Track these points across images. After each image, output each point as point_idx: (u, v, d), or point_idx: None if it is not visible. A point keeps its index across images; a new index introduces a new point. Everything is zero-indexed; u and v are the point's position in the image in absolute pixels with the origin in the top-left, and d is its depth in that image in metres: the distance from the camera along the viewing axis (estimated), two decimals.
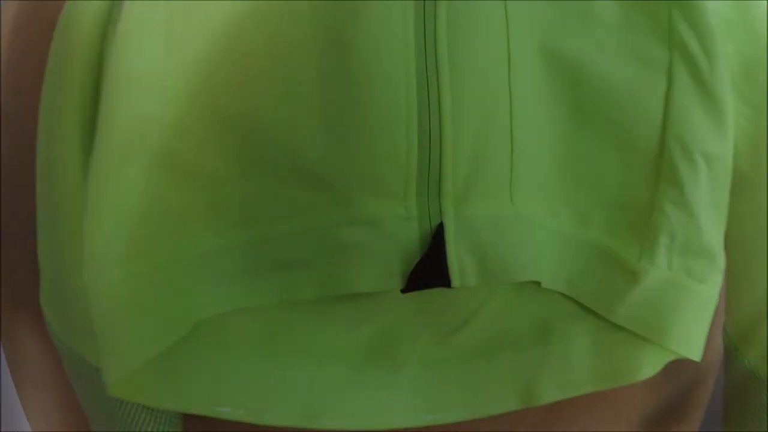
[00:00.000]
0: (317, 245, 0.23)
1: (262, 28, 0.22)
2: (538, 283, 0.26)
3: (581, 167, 0.26)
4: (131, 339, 0.21)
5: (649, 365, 0.28)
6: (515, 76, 0.23)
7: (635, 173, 0.25)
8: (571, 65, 0.24)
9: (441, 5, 0.22)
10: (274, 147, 0.23)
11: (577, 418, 0.38)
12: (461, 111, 0.22)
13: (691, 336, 0.27)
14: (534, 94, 0.24)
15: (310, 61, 0.22)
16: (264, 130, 0.23)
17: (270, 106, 0.23)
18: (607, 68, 0.24)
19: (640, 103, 0.25)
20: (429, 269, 0.23)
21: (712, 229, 0.26)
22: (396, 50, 0.22)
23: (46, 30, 0.25)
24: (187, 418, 0.28)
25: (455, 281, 0.23)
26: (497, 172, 0.24)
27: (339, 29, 0.22)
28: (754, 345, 0.29)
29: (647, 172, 0.25)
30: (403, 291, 0.23)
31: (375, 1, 0.21)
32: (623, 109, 0.25)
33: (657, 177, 0.25)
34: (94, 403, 0.27)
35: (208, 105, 0.23)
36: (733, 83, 0.27)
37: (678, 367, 0.30)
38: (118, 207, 0.21)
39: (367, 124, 0.22)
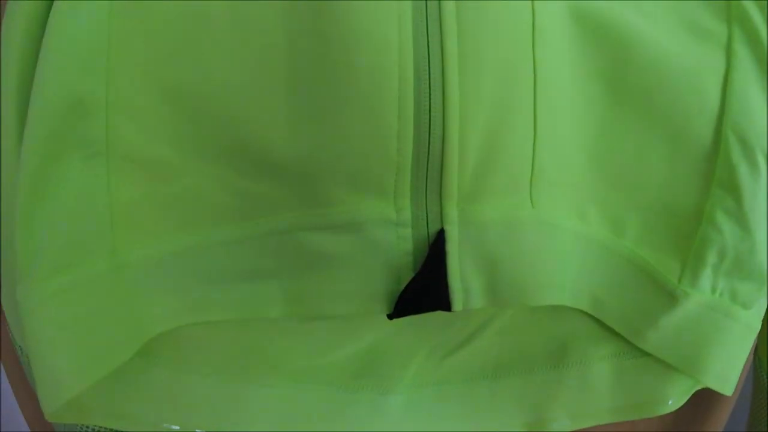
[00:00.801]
0: (285, 253, 0.19)
1: None
2: None
3: (618, 160, 0.21)
4: (69, 365, 0.18)
5: (676, 396, 0.25)
6: (541, 42, 0.19)
7: (683, 171, 0.21)
8: (611, 34, 0.20)
9: None
10: (232, 130, 0.18)
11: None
12: (471, 84, 0.18)
13: (728, 369, 0.23)
14: (563, 67, 0.20)
15: (277, 24, 0.18)
16: (220, 109, 0.18)
17: (228, 82, 0.18)
18: (656, 40, 0.20)
19: (694, 86, 0.20)
20: (424, 289, 0.19)
21: (766, 247, 0.21)
22: (385, 4, 0.17)
23: None
24: None
25: (457, 304, 0.19)
26: (515, 165, 0.19)
27: None
28: None
29: (698, 172, 0.21)
30: (390, 317, 0.19)
31: None
32: (673, 91, 0.20)
33: (709, 178, 0.21)
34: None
35: (156, 80, 0.18)
36: None
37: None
38: (49, 208, 0.17)
39: (348, 98, 0.17)
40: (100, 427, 0.22)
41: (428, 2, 0.17)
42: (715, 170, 0.20)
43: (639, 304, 0.22)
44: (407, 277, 0.19)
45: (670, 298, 0.21)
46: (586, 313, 0.23)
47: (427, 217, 0.19)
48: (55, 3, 0.18)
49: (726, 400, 0.37)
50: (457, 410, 0.25)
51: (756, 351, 0.29)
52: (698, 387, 0.25)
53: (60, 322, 0.18)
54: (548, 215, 0.20)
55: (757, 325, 0.24)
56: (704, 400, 0.34)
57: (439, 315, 0.21)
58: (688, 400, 0.25)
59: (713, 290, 0.21)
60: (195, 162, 0.19)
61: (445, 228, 0.18)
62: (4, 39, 0.20)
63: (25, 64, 0.19)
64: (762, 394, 0.28)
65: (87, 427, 0.22)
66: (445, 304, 0.19)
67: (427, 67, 0.17)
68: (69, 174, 0.18)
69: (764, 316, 0.24)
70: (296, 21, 0.18)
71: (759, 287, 0.22)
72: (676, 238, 0.21)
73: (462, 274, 0.19)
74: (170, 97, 0.18)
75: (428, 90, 0.17)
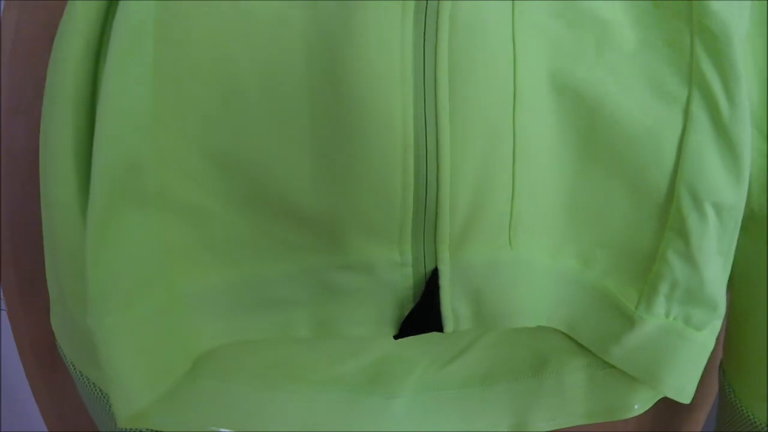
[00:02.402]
0: (311, 288, 0.23)
1: (254, 62, 0.22)
2: None
3: (588, 207, 0.25)
4: (138, 382, 0.22)
5: (641, 402, 0.29)
6: (520, 109, 0.22)
7: (642, 217, 0.25)
8: (582, 96, 0.23)
9: (442, 33, 0.21)
10: (265, 186, 0.22)
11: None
12: (460, 151, 0.22)
13: (684, 381, 0.27)
14: (540, 128, 0.23)
15: (302, 97, 0.22)
16: (254, 168, 0.22)
17: (260, 144, 0.22)
18: (622, 102, 0.23)
19: (654, 143, 0.23)
20: (422, 316, 0.23)
21: (716, 279, 0.25)
22: (392, 85, 0.21)
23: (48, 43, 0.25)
24: None
25: (448, 327, 0.23)
26: (496, 215, 0.23)
27: (333, 64, 0.21)
28: (750, 390, 0.29)
29: (654, 218, 0.24)
30: (395, 338, 0.23)
31: (371, 34, 0.20)
32: (635, 147, 0.23)
33: (663, 224, 0.24)
34: (104, 421, 0.28)
35: (198, 142, 0.22)
36: (753, 115, 0.25)
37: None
38: (114, 251, 0.21)
39: (361, 163, 0.21)
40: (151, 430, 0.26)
41: (425, 89, 0.21)
42: (668, 217, 0.24)
43: (604, 325, 0.26)
44: (409, 306, 0.23)
45: (629, 321, 0.25)
46: (561, 332, 0.27)
47: (424, 258, 0.23)
48: (105, 69, 0.21)
49: (703, 403, 0.41)
50: (452, 412, 0.29)
51: (721, 364, 0.33)
52: (661, 396, 0.29)
53: (131, 347, 0.22)
54: (525, 255, 0.24)
55: (711, 344, 0.27)
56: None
57: (436, 333, 0.26)
58: (668, 403, 0.28)
59: (667, 315, 0.25)
60: (234, 211, 0.23)
61: (438, 267, 0.23)
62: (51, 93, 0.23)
63: (78, 120, 0.22)
64: (726, 404, 0.31)
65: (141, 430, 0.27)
66: (438, 328, 0.23)
67: (424, 141, 0.21)
68: (128, 222, 0.22)
69: (764, 363, 0.28)
70: (319, 99, 0.22)
71: (710, 313, 0.26)
72: (635, 272, 0.25)
73: (452, 304, 0.23)
74: (210, 155, 0.22)
75: (425, 159, 0.22)
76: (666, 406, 0.35)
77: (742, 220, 0.26)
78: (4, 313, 0.47)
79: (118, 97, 0.21)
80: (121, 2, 0.21)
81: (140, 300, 0.22)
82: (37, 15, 0.40)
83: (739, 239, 0.27)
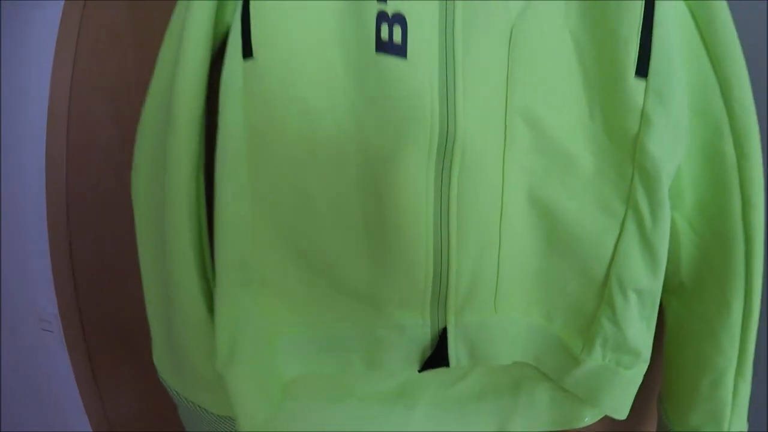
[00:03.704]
0: (364, 340, 0.35)
1: (321, 185, 0.33)
2: None
3: (550, 283, 0.36)
4: (257, 406, 0.33)
5: (590, 416, 0.41)
6: (505, 219, 0.34)
7: (586, 292, 0.36)
8: (549, 209, 0.34)
9: (455, 173, 0.32)
10: (333, 272, 0.34)
11: None
12: (464, 250, 0.34)
13: (618, 404, 0.38)
14: (518, 230, 0.35)
15: (357, 212, 0.33)
16: (324, 260, 0.34)
17: (328, 243, 0.34)
18: (577, 214, 0.34)
19: (597, 244, 0.34)
20: (436, 357, 0.35)
21: (639, 336, 0.36)
22: (420, 208, 0.33)
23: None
24: None
25: (452, 364, 0.35)
26: (486, 292, 0.35)
27: (378, 190, 0.32)
28: (675, 411, 0.40)
29: (594, 294, 0.36)
30: (419, 371, 0.36)
31: (407, 170, 0.32)
32: (584, 246, 0.35)
33: (600, 299, 0.36)
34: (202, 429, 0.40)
35: (284, 243, 0.34)
36: (687, 216, 0.36)
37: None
38: (235, 321, 0.33)
39: (399, 260, 0.33)
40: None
41: (442, 211, 0.33)
42: (604, 295, 0.35)
43: (560, 362, 0.38)
44: (428, 352, 0.35)
45: (576, 361, 0.37)
46: (531, 365, 0.39)
47: (438, 321, 0.35)
48: (217, 197, 0.32)
49: (652, 418, 0.50)
50: (454, 419, 0.41)
51: (659, 397, 0.43)
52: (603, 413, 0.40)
53: (250, 383, 0.33)
54: (506, 316, 0.36)
55: (639, 378, 0.38)
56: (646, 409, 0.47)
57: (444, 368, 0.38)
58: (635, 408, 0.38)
59: (603, 358, 0.37)
60: (311, 289, 0.35)
61: (447, 327, 0.35)
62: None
63: (194, 230, 0.33)
64: (660, 421, 0.42)
65: None
66: (446, 365, 0.35)
67: (440, 246, 0.33)
68: (242, 301, 0.33)
69: (691, 400, 0.37)
70: (369, 214, 0.33)
71: (635, 358, 0.37)
72: (580, 328, 0.37)
73: (455, 350, 0.35)
74: (293, 252, 0.34)
75: (440, 257, 0.33)
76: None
77: (675, 288, 0.37)
78: (4, 317, 0.58)
79: (228, 214, 0.33)
80: (219, 144, 0.32)
81: (253, 351, 0.34)
82: (98, 16, 0.50)
83: (672, 302, 0.38)
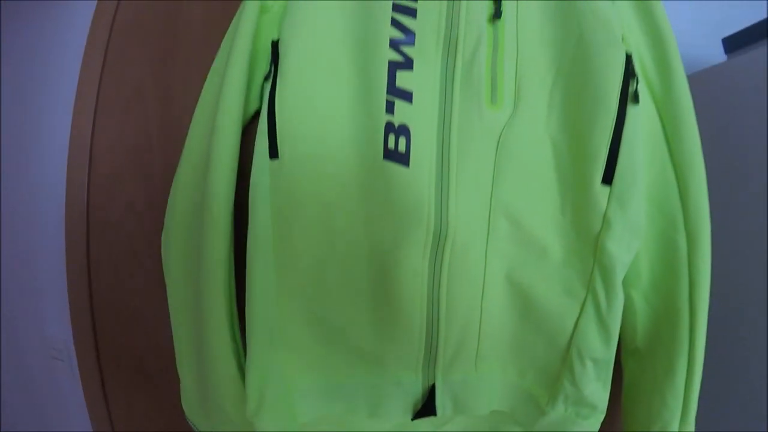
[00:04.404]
0: (367, 391, 0.42)
1: (335, 263, 0.40)
2: None
3: (522, 348, 0.43)
4: None
5: None
6: (486, 297, 0.41)
7: (552, 357, 0.43)
8: (523, 290, 0.41)
9: (446, 261, 0.39)
10: (342, 335, 0.41)
11: None
12: (451, 323, 0.40)
13: None
14: (497, 306, 0.41)
15: (365, 288, 0.40)
16: (337, 327, 0.41)
17: (340, 311, 0.41)
18: (546, 295, 0.41)
19: (561, 321, 0.41)
20: (426, 408, 0.41)
21: (595, 394, 0.43)
22: (416, 288, 0.39)
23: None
24: None
25: (439, 414, 0.42)
26: (468, 355, 0.42)
27: (383, 272, 0.39)
28: None
29: (558, 359, 0.42)
30: (412, 419, 0.42)
31: (406, 255, 0.38)
32: (551, 321, 0.41)
33: (563, 363, 0.42)
34: None
35: (302, 311, 0.41)
36: (643, 293, 0.43)
37: None
38: (262, 378, 0.39)
39: (398, 328, 0.40)
40: None
41: (434, 290, 0.39)
42: (566, 361, 0.42)
43: (530, 412, 0.45)
44: (419, 403, 0.42)
45: (542, 411, 0.43)
46: (506, 412, 0.45)
47: (428, 378, 0.41)
48: (248, 277, 0.39)
49: None
50: None
51: None
52: None
53: (276, 427, 0.40)
54: (485, 374, 0.43)
55: (596, 427, 0.45)
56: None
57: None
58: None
59: (565, 410, 0.43)
60: (323, 348, 0.42)
61: (435, 383, 0.41)
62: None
63: (229, 295, 0.40)
64: None
65: None
66: (434, 414, 0.42)
67: (431, 317, 0.40)
68: (268, 361, 0.39)
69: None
70: (375, 288, 0.40)
71: (592, 411, 0.43)
72: (547, 385, 0.43)
73: (442, 402, 0.42)
74: (310, 318, 0.41)
75: (431, 327, 0.40)
76: None
77: (632, 351, 0.44)
78: (4, 319, 0.61)
79: (258, 289, 0.39)
80: (250, 230, 0.38)
81: (277, 400, 0.40)
82: (118, 72, 0.55)
83: (629, 361, 0.45)
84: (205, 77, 0.47)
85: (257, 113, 0.44)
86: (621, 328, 0.44)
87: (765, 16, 0.69)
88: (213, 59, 0.49)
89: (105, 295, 0.55)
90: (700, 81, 0.68)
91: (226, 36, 0.47)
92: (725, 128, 0.66)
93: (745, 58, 0.64)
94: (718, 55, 0.71)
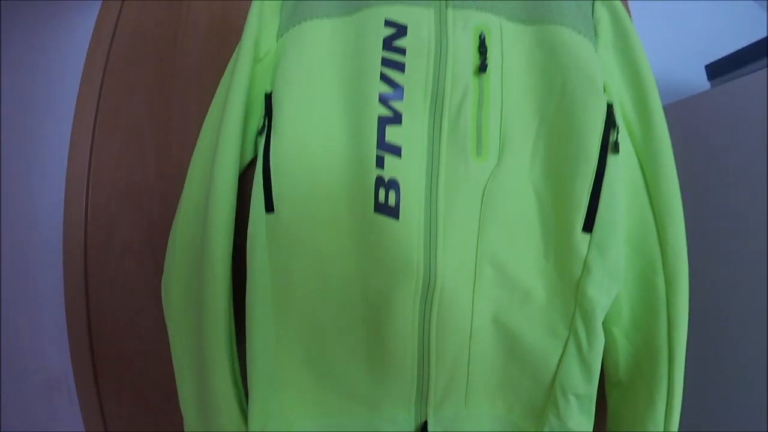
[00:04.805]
0: (365, 429, 0.44)
1: (331, 313, 0.42)
2: None
3: (509, 384, 0.45)
4: None
5: None
6: (474, 338, 0.43)
7: (538, 393, 0.45)
8: (510, 331, 0.43)
9: (435, 308, 0.41)
10: (340, 380, 0.43)
11: None
12: (441, 364, 0.42)
13: None
14: (484, 346, 0.43)
15: (359, 334, 0.42)
16: (333, 370, 0.43)
17: (336, 357, 0.43)
18: (531, 335, 0.43)
19: (545, 359, 0.43)
20: None
21: (579, 426, 0.45)
22: (407, 333, 0.41)
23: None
24: None
25: None
26: (458, 392, 0.44)
27: (376, 319, 0.41)
28: None
29: (544, 394, 0.45)
30: None
31: (399, 303, 0.40)
32: (536, 359, 0.43)
33: (548, 398, 0.44)
34: None
35: (301, 360, 0.43)
36: (624, 331, 0.45)
37: None
38: (264, 418, 0.41)
39: (391, 370, 0.42)
40: None
41: (425, 335, 0.41)
42: (549, 396, 0.44)
43: None
44: None
45: None
46: None
47: (420, 415, 0.44)
48: (248, 330, 0.41)
49: None
50: None
51: None
52: None
53: None
54: (474, 409, 0.45)
55: None
56: None
57: None
58: None
59: None
60: (321, 392, 0.44)
61: (428, 420, 0.43)
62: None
63: (230, 341, 0.42)
64: None
65: None
66: None
67: (422, 359, 0.42)
68: (269, 401, 0.41)
69: None
70: (369, 335, 0.42)
71: None
72: (533, 418, 0.46)
73: None
74: (308, 366, 0.43)
75: (422, 368, 0.42)
76: None
77: (615, 383, 0.46)
78: (4, 350, 0.62)
79: (258, 337, 0.41)
80: (249, 281, 0.40)
81: None
82: (114, 112, 0.56)
83: (612, 392, 0.47)
84: (202, 115, 0.49)
85: (253, 160, 0.46)
86: (604, 361, 0.46)
87: (745, 45, 0.70)
88: (209, 96, 0.50)
89: (106, 335, 0.56)
90: (683, 109, 0.70)
91: (221, 84, 0.48)
92: (709, 154, 0.68)
93: (727, 87, 0.65)
94: (701, 81, 0.73)
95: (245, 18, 0.46)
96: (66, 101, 0.57)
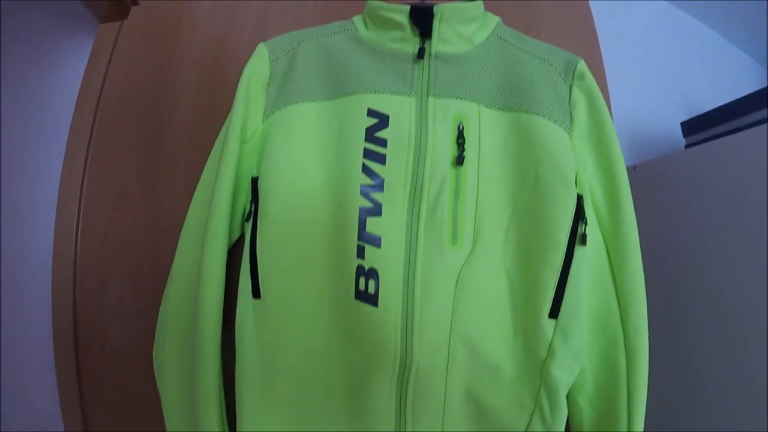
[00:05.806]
0: None
1: (316, 382, 0.44)
2: None
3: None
4: None
5: None
6: (447, 410, 0.45)
7: (517, 414, 0.46)
8: (480, 403, 0.45)
9: (410, 387, 0.43)
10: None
11: None
12: (418, 413, 0.44)
13: None
14: (457, 417, 0.45)
15: (339, 405, 0.45)
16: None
17: (320, 418, 0.45)
18: (500, 406, 0.45)
19: (513, 428, 0.45)
20: None
21: None
22: (386, 408, 0.44)
23: None
24: None
25: None
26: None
27: (355, 394, 0.44)
28: None
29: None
30: None
31: (374, 388, 0.42)
32: (504, 428, 0.46)
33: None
34: None
35: (288, 415, 0.45)
36: (588, 399, 0.47)
37: None
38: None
39: (369, 415, 0.44)
40: None
41: (401, 405, 0.43)
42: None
43: None
44: None
45: None
46: None
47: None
48: (237, 386, 0.43)
49: None
50: None
51: None
52: None
53: None
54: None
55: None
56: None
57: None
58: None
59: None
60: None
61: None
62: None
63: (220, 389, 0.43)
64: None
65: None
66: None
67: (399, 425, 0.44)
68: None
69: None
70: (348, 403, 0.44)
71: None
72: None
73: None
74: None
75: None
76: None
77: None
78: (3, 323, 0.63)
79: (247, 413, 0.43)
80: (238, 360, 0.42)
81: None
82: (103, 176, 0.57)
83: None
84: (191, 180, 0.50)
85: (241, 237, 0.48)
86: (570, 423, 0.49)
87: (720, 104, 0.73)
88: (198, 154, 0.51)
89: (96, 390, 0.57)
90: (659, 166, 0.72)
91: (210, 162, 0.50)
92: (683, 213, 0.70)
93: (703, 147, 0.68)
94: (677, 138, 0.75)
95: (234, 77, 0.47)
96: (54, 165, 0.58)
